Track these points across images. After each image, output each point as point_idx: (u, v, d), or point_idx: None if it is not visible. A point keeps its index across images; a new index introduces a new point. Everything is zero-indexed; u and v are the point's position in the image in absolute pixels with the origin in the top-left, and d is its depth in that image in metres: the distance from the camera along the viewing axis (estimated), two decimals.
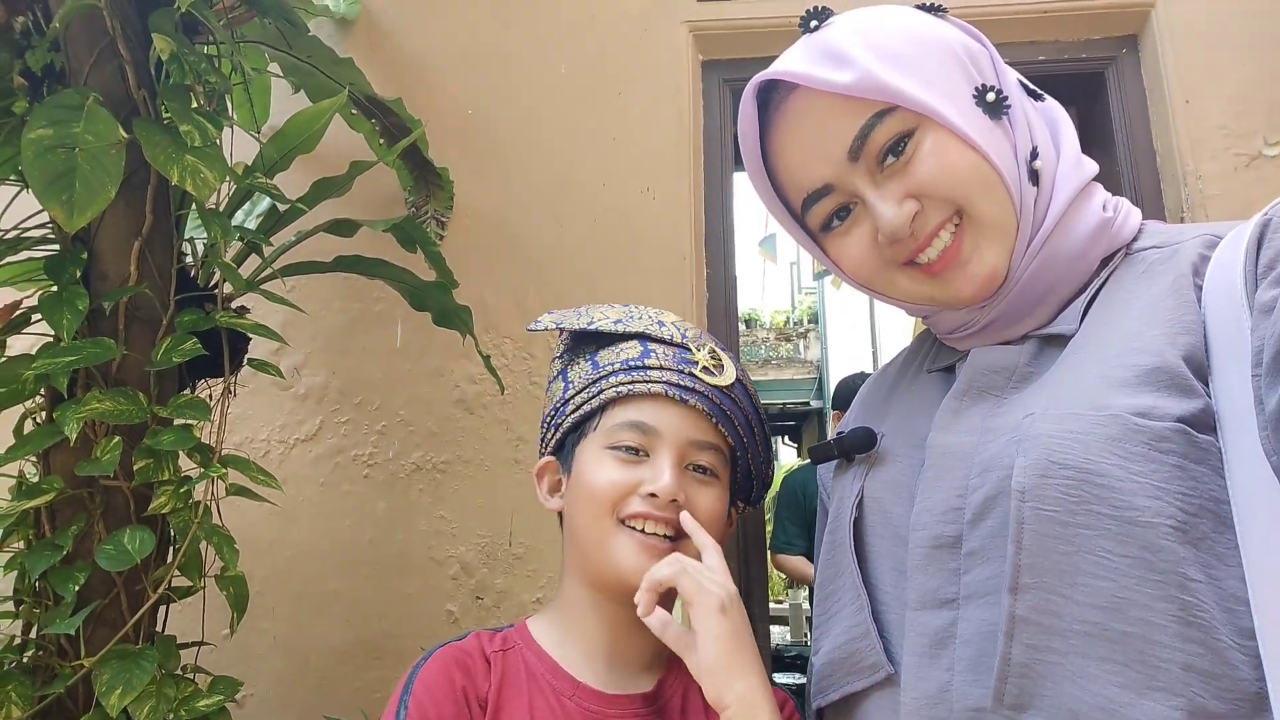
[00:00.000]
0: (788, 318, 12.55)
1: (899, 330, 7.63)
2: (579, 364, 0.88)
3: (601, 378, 0.84)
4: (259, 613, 1.72)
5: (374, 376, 1.91)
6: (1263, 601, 0.46)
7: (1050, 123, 0.67)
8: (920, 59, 0.62)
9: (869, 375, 3.07)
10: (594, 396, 0.84)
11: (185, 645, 1.20)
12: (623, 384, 0.82)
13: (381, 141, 1.81)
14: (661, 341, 0.85)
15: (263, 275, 1.28)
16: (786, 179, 0.68)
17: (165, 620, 1.21)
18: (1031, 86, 0.68)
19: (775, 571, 2.99)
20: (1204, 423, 0.51)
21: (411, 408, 1.89)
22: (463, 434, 1.87)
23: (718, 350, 0.87)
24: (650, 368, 0.82)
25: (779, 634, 6.18)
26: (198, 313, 1.13)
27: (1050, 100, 0.69)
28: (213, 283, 1.28)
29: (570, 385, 0.87)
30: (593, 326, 0.87)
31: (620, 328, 0.86)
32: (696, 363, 0.83)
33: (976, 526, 0.57)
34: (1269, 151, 1.78)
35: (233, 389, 1.29)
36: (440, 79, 2.00)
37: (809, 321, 11.94)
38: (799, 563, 2.72)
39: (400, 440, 1.87)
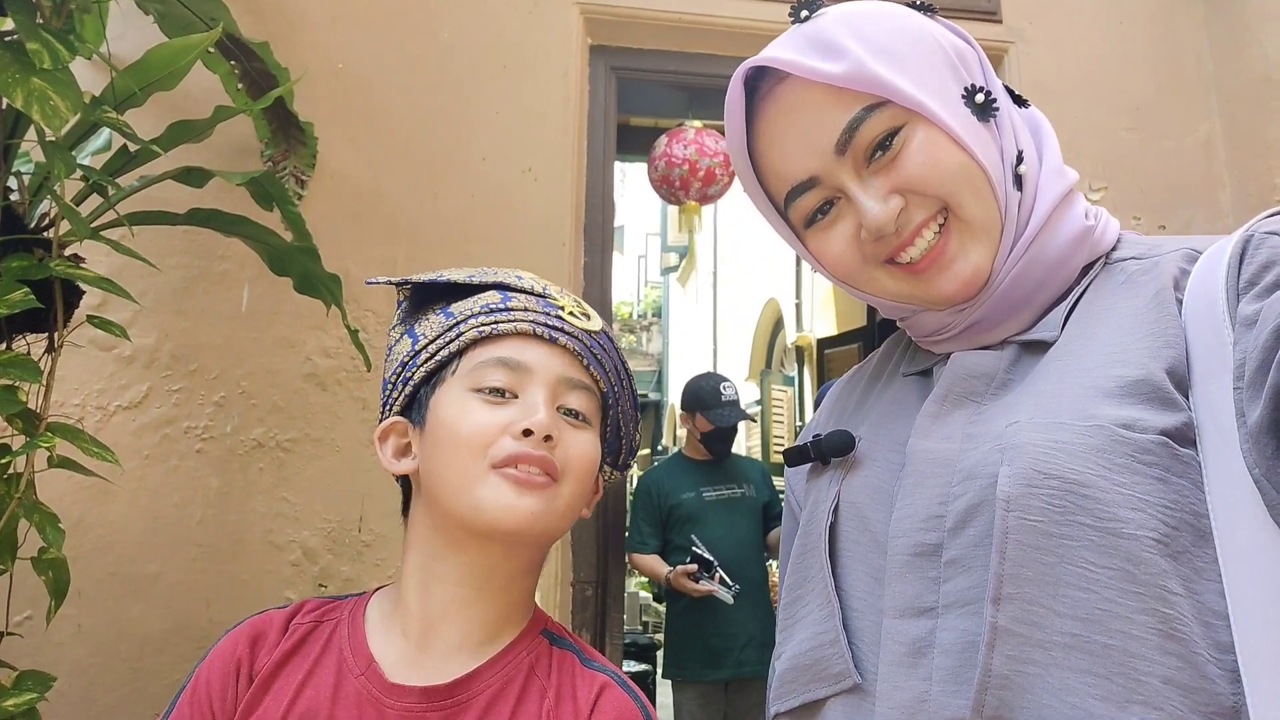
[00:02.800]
0: (632, 310, 12.70)
1: (740, 331, 7.92)
2: (428, 319, 0.80)
3: (459, 322, 0.77)
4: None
5: (213, 342, 1.74)
6: (1241, 615, 0.47)
7: (1034, 130, 0.68)
8: (912, 54, 0.62)
9: (718, 375, 3.17)
10: (452, 340, 0.77)
11: None
12: (484, 324, 0.75)
13: (240, 86, 1.66)
14: (521, 290, 0.79)
15: (106, 221, 1.14)
16: (771, 170, 0.66)
17: None
18: (1016, 93, 0.68)
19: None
20: (1185, 436, 0.51)
21: (255, 379, 1.74)
22: (313, 410, 1.75)
23: (581, 302, 0.83)
24: (514, 309, 0.76)
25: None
26: (28, 258, 0.98)
27: (1034, 108, 0.69)
28: (40, 224, 1.12)
29: (420, 338, 0.79)
30: (444, 278, 0.81)
31: (476, 279, 0.80)
32: (563, 308, 0.78)
33: (958, 535, 0.56)
34: (1092, 195, 1.99)
35: (57, 348, 1.14)
36: (310, 27, 1.85)
37: (653, 315, 12.14)
38: (652, 561, 2.78)
39: (240, 414, 1.73)
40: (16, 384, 0.94)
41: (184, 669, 1.70)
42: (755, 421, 5.20)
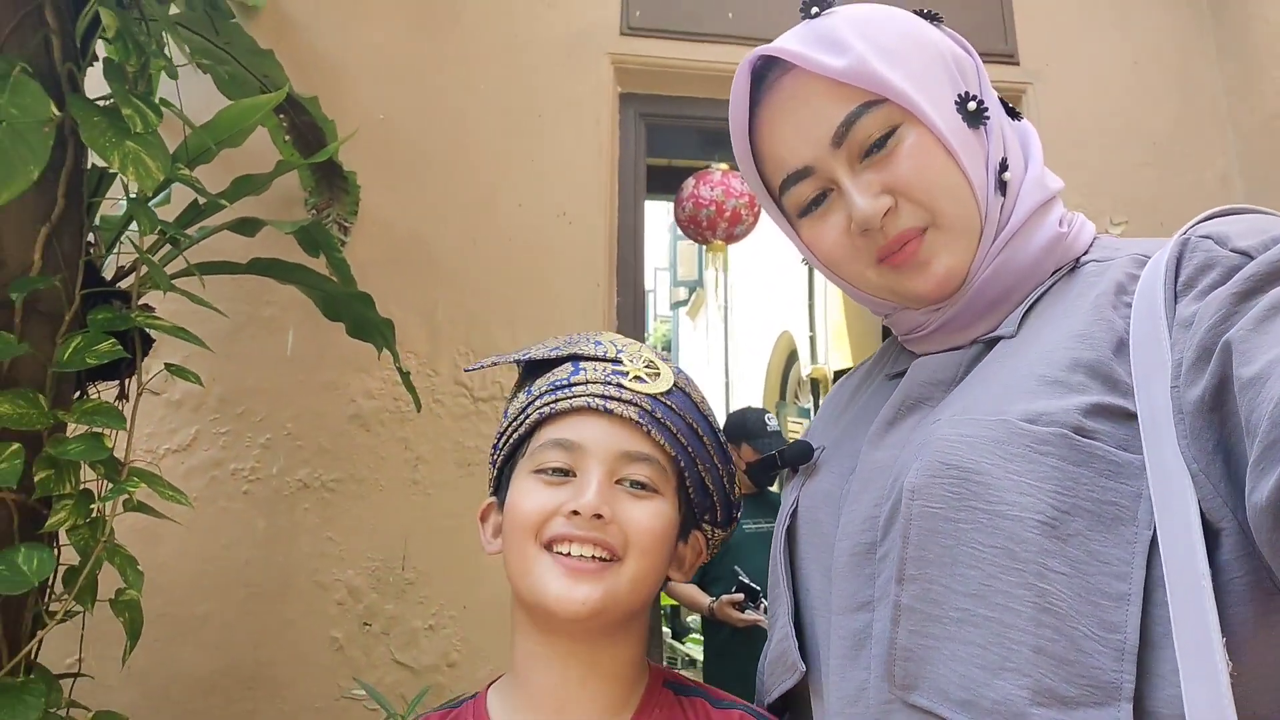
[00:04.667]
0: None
1: (753, 364, 7.95)
2: (517, 396, 0.83)
3: (530, 402, 0.79)
4: (112, 639, 1.55)
5: (260, 386, 1.79)
6: (1179, 606, 0.48)
7: (1023, 140, 0.71)
8: (912, 57, 0.64)
9: (760, 408, 3.16)
10: (522, 423, 0.79)
11: (61, 676, 1.08)
12: (546, 403, 0.77)
13: (287, 139, 1.72)
14: (594, 359, 0.80)
15: (179, 272, 1.19)
16: (769, 157, 0.69)
17: (37, 650, 1.08)
18: (1010, 105, 0.72)
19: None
20: (1092, 429, 0.53)
21: (301, 421, 1.78)
22: (357, 451, 1.78)
23: (657, 361, 0.82)
24: (576, 384, 0.77)
25: None
26: (111, 310, 1.03)
27: (1026, 121, 0.73)
28: (117, 277, 1.17)
29: (505, 418, 0.82)
30: (526, 356, 0.83)
31: (555, 353, 0.81)
32: (628, 373, 0.78)
33: (887, 531, 0.59)
34: (1113, 229, 2.03)
35: (129, 395, 1.18)
36: (351, 80, 1.92)
37: (663, 349, 12.18)
38: (691, 591, 2.78)
39: (286, 455, 1.76)
40: (102, 432, 0.99)
41: (234, 709, 1.72)
42: None
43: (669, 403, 0.78)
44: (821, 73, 0.63)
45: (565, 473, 0.74)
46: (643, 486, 0.75)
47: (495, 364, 0.87)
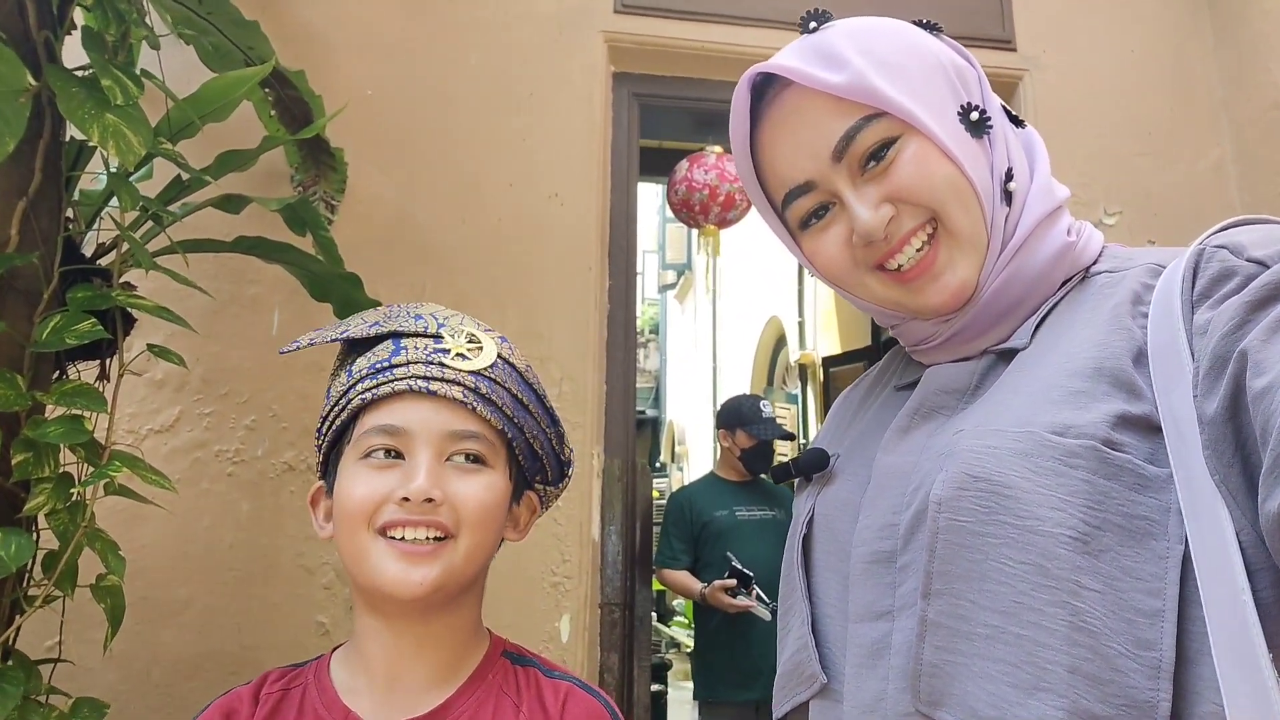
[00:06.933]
0: None
1: (741, 349, 7.95)
2: (339, 376, 0.82)
3: (350, 387, 0.78)
4: (91, 622, 1.53)
5: (244, 366, 1.76)
6: (1215, 617, 0.47)
7: (1028, 148, 0.70)
8: (912, 70, 0.64)
9: (756, 395, 3.17)
10: (344, 409, 0.78)
11: (40, 661, 1.06)
12: (368, 389, 0.76)
13: (273, 114, 1.68)
14: (415, 335, 0.79)
15: (161, 250, 1.15)
16: (771, 172, 0.69)
17: (15, 636, 1.06)
18: (1013, 113, 0.71)
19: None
20: (1120, 442, 0.53)
21: (286, 403, 1.76)
22: None
23: (479, 334, 0.81)
24: (397, 365, 0.76)
25: None
26: (91, 288, 1.00)
27: (1030, 128, 0.72)
28: (97, 255, 1.14)
29: (329, 398, 0.81)
30: (345, 335, 0.82)
31: (374, 330, 0.80)
32: (449, 350, 0.77)
33: (909, 541, 0.59)
34: (1107, 220, 2.02)
35: (109, 376, 1.15)
36: (339, 55, 1.88)
37: (650, 332, 12.18)
38: (683, 577, 2.79)
39: (272, 437, 1.74)
40: (83, 414, 0.96)
41: (215, 694, 1.69)
42: (794, 439, 5.06)
43: (493, 376, 0.79)
44: (821, 88, 0.63)
45: (394, 456, 0.75)
46: (472, 460, 0.76)
47: (313, 344, 0.84)
